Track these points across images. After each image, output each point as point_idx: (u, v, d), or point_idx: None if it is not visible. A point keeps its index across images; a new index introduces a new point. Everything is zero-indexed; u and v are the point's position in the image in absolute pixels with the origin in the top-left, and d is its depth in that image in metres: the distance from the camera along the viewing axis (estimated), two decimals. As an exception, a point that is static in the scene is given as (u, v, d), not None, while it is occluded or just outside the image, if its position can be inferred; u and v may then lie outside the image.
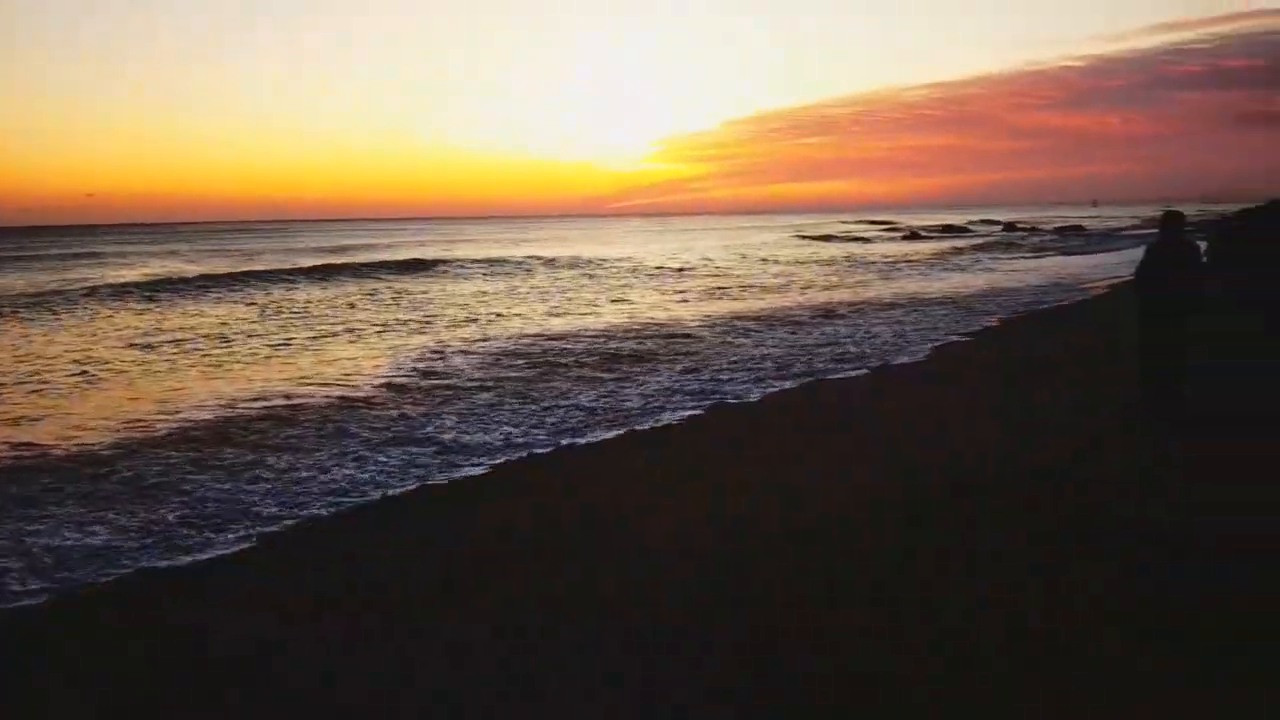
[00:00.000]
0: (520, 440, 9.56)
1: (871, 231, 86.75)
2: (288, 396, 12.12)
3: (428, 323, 21.00)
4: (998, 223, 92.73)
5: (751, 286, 30.57)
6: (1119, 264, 31.58)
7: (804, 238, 75.11)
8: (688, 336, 17.46)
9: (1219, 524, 5.81)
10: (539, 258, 44.22)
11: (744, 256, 49.10)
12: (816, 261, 44.44)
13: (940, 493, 6.85)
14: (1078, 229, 75.87)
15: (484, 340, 17.64)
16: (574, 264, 41.25)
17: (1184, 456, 7.43)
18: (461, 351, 16.04)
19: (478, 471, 8.46)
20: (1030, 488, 6.81)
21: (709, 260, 45.68)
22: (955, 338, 16.81)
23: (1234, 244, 19.80)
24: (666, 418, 10.51)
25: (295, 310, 24.10)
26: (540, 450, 9.17)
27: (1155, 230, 8.89)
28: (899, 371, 13.49)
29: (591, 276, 35.64)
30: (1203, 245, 11.64)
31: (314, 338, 18.58)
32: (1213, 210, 60.70)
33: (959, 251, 50.20)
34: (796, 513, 6.67)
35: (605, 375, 13.30)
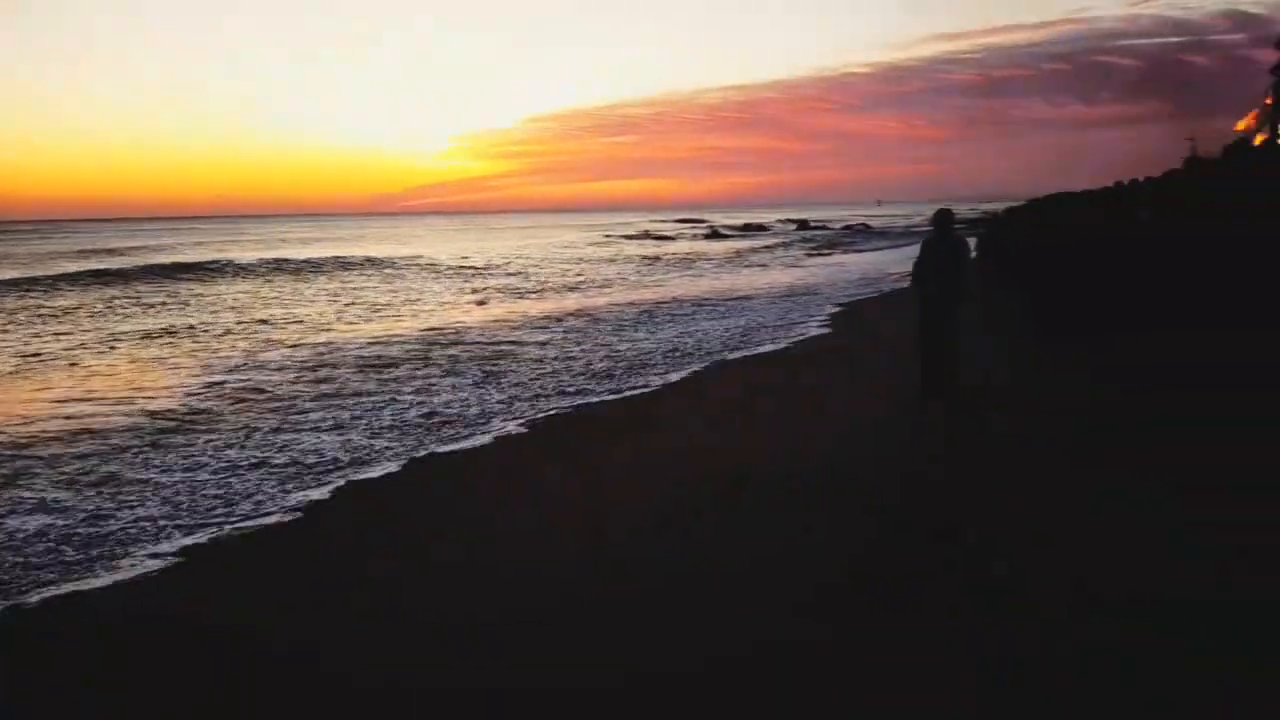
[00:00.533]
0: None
1: (677, 229, 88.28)
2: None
3: (189, 335, 18.73)
4: (794, 221, 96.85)
5: (553, 286, 29.87)
6: (908, 259, 33.14)
7: (610, 236, 75.27)
8: (481, 342, 16.42)
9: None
10: (335, 258, 41.49)
11: (548, 255, 48.35)
12: (621, 260, 44.37)
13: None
14: (865, 226, 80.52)
15: (252, 356, 15.82)
16: (365, 264, 38.97)
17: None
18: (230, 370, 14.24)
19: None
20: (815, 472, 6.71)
21: (511, 259, 44.59)
22: (768, 335, 16.68)
23: (999, 239, 21.05)
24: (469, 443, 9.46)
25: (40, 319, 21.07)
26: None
27: (930, 228, 9.28)
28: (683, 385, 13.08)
29: (382, 277, 33.78)
30: (972, 241, 12.15)
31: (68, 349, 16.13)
32: (984, 208, 65.91)
33: (770, 249, 51.75)
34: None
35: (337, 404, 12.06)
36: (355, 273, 35.52)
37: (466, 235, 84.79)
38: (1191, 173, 11.72)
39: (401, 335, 17.23)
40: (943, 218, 9.09)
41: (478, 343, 15.93)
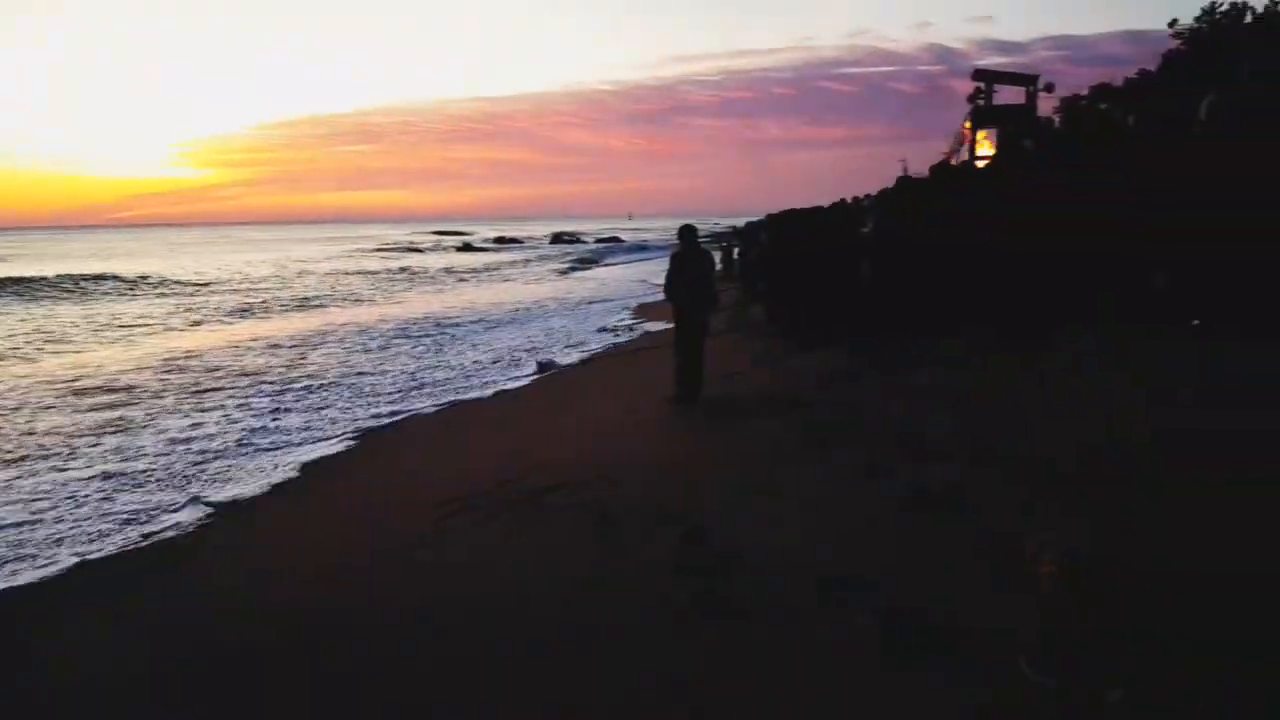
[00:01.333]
0: None
1: (426, 242, 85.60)
2: None
3: None
4: (547, 233, 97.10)
5: (281, 303, 27.44)
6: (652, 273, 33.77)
7: (351, 250, 71.53)
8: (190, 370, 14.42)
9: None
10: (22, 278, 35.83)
11: (280, 271, 44.78)
12: (367, 273, 42.00)
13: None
14: (616, 240, 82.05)
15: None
16: (58, 283, 34.05)
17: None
18: None
19: None
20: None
21: (236, 274, 40.87)
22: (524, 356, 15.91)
23: (741, 250, 21.75)
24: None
25: None
26: None
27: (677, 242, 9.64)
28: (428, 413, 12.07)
29: (77, 297, 29.62)
30: (717, 255, 12.40)
31: None
32: (726, 222, 69.25)
33: (527, 263, 51.07)
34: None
35: None
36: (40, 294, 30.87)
37: (189, 249, 77.56)
38: (901, 189, 12.59)
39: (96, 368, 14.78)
40: (688, 232, 9.56)
41: (207, 371, 13.93)
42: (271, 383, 13.06)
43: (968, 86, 25.97)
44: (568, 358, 14.76)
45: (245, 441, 9.47)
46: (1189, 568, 3.57)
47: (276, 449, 9.18)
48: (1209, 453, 4.63)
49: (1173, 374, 5.99)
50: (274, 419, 10.57)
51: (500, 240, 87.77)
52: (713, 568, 4.54)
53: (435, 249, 72.69)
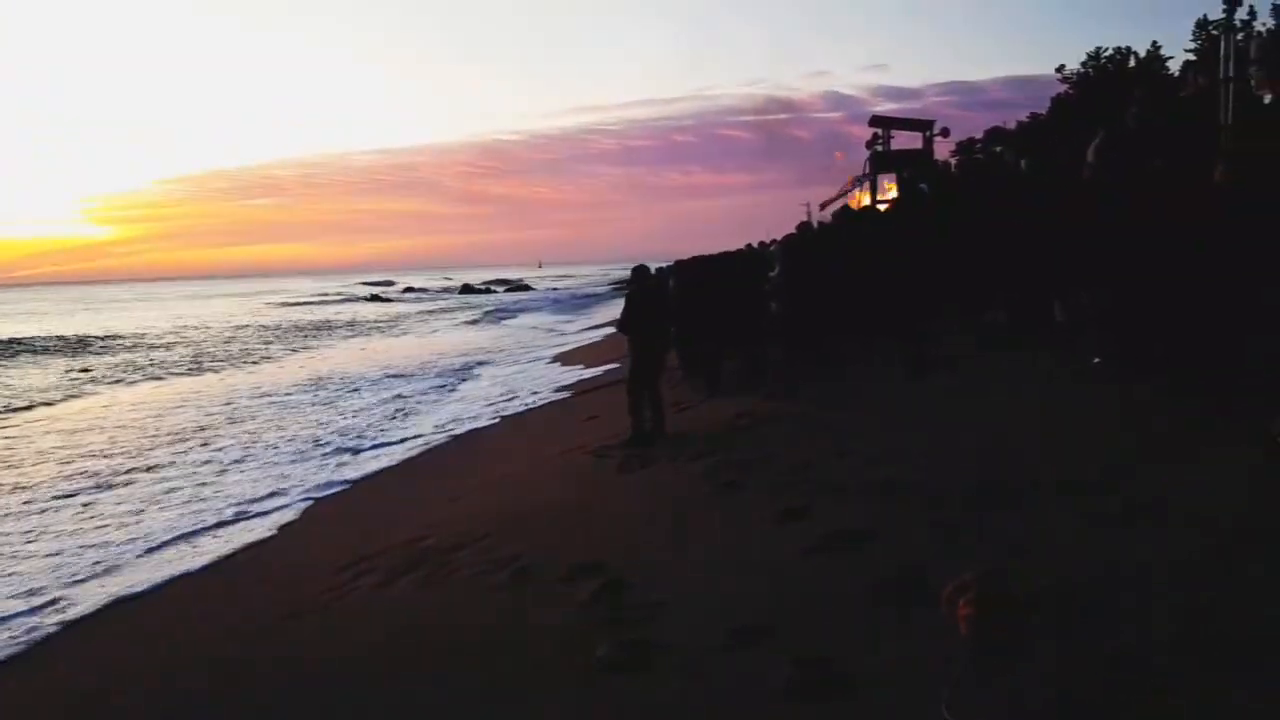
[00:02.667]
0: None
1: (331, 295, 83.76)
2: None
3: None
4: (457, 283, 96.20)
5: (178, 362, 26.31)
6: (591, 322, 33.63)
7: (264, 304, 69.51)
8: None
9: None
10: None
11: (177, 325, 43.10)
12: (274, 328, 40.69)
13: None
14: (526, 287, 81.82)
15: None
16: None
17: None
18: None
19: None
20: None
21: (135, 332, 39.13)
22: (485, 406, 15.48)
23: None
24: None
25: None
26: None
27: (626, 283, 9.99)
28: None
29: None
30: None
31: None
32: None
33: (448, 312, 50.27)
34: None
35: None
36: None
37: (82, 307, 74.08)
38: (804, 234, 12.94)
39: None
40: (642, 272, 9.70)
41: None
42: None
43: (865, 132, 26.89)
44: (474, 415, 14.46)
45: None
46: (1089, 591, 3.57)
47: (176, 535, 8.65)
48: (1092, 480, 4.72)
49: (1066, 404, 6.16)
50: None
51: (408, 290, 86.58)
52: (630, 620, 4.39)
53: (344, 300, 71.08)
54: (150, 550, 7.65)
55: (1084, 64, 46.43)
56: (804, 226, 12.28)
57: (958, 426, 6.41)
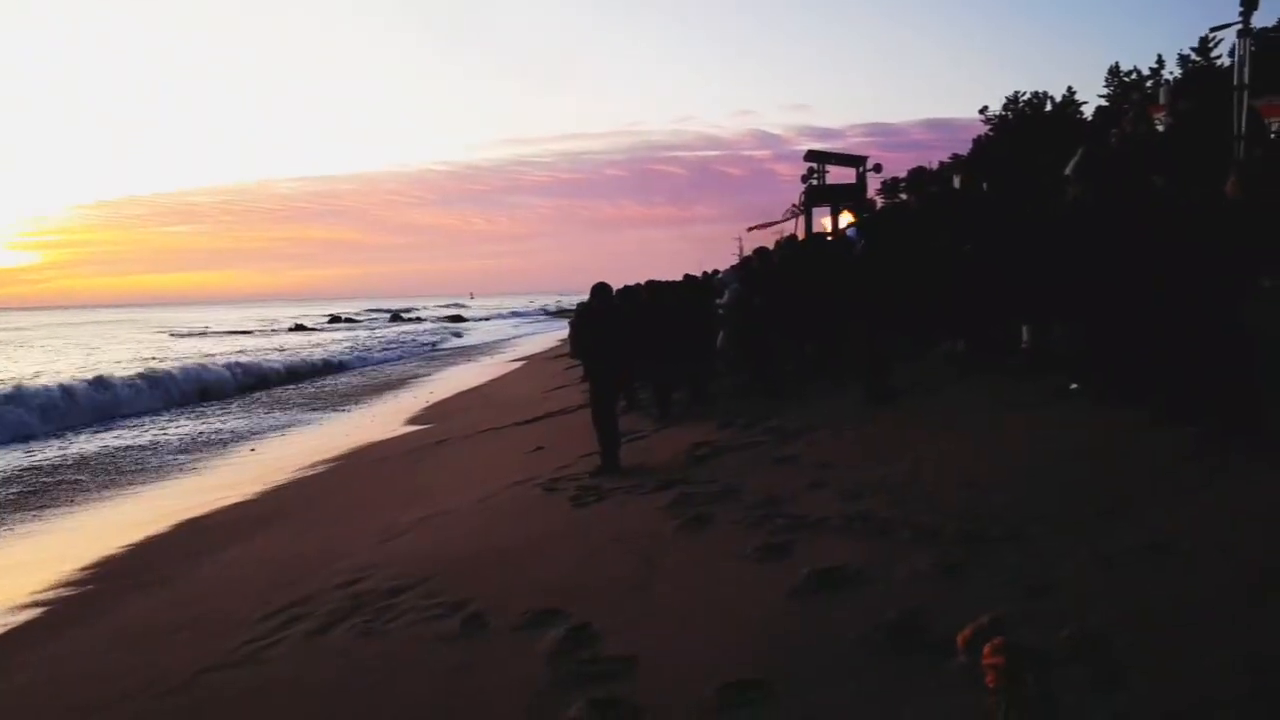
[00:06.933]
0: None
1: (252, 324, 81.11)
2: None
3: None
4: (385, 311, 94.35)
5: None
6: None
7: (173, 334, 66.76)
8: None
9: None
10: None
11: (86, 355, 40.93)
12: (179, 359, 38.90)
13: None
14: (458, 318, 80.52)
15: None
16: None
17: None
18: None
19: None
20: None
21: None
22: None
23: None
24: None
25: None
26: None
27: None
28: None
29: None
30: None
31: None
32: (567, 300, 69.36)
33: (375, 346, 48.54)
34: None
35: None
36: None
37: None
38: (764, 260, 12.76)
39: None
40: (604, 290, 9.06)
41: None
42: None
43: (790, 170, 27.11)
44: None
45: None
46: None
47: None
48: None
49: (1048, 433, 5.89)
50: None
51: (334, 319, 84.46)
52: (601, 675, 3.89)
53: (262, 332, 68.73)
54: None
55: (1004, 107, 48.19)
56: (761, 253, 11.97)
57: (936, 456, 6.08)
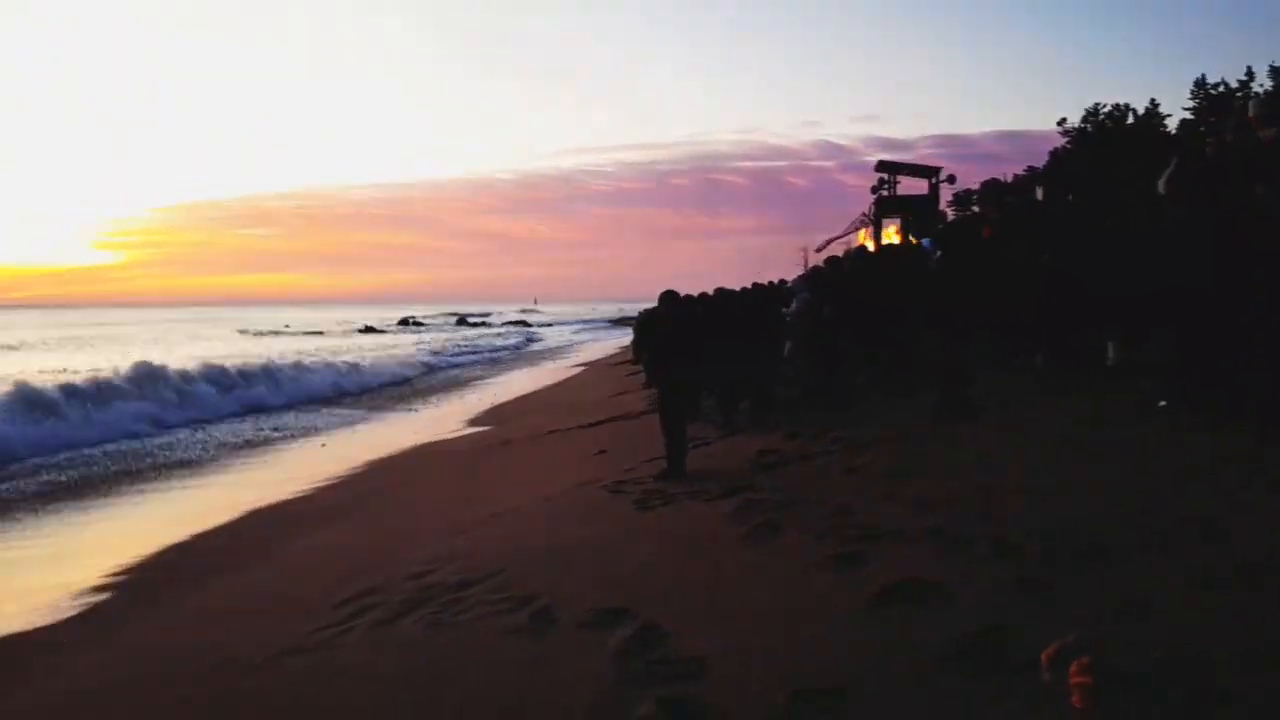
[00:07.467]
0: None
1: (328, 325, 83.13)
2: None
3: None
4: (453, 315, 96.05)
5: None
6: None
7: (254, 334, 68.76)
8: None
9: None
10: None
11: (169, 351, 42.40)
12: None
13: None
14: (524, 323, 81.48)
15: None
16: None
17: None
18: None
19: None
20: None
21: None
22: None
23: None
24: None
25: None
26: None
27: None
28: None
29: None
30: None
31: None
32: (629, 307, 69.71)
33: (462, 347, 49.28)
34: None
35: None
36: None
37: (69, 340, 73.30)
38: (835, 270, 12.67)
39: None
40: (672, 297, 9.09)
41: None
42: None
43: (859, 180, 26.82)
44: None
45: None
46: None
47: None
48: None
49: (1134, 451, 5.68)
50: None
51: (404, 322, 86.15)
52: (671, 675, 3.86)
53: (334, 334, 70.27)
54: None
55: (1083, 119, 46.75)
56: (831, 261, 11.84)
57: (1015, 470, 5.92)
